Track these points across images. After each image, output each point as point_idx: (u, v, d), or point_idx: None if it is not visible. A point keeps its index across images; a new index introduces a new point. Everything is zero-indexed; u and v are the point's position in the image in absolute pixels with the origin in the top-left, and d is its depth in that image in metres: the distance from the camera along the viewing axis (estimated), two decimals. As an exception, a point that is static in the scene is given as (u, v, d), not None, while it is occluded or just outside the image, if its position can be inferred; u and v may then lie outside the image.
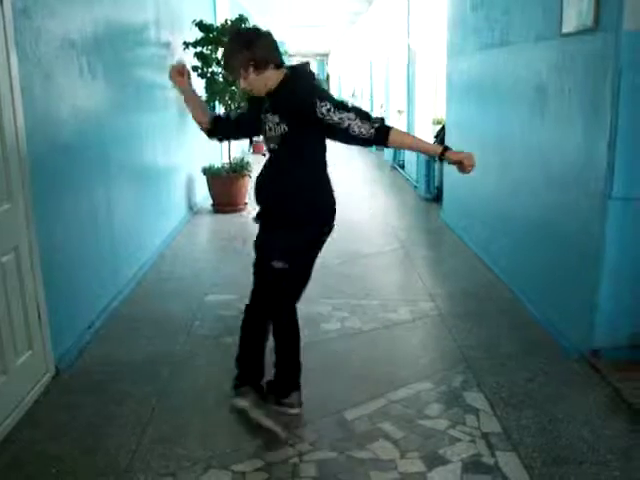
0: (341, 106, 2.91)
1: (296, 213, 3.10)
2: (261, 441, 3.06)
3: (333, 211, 3.18)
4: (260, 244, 3.29)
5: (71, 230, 4.06)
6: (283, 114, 3.00)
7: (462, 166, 3.07)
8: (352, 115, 2.90)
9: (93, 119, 4.52)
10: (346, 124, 2.90)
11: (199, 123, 3.38)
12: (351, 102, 3.16)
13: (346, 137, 3.00)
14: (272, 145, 3.10)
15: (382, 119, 3.16)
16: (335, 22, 20.73)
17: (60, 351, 3.79)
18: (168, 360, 3.93)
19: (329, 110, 2.88)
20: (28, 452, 2.99)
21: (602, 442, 2.98)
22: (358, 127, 2.90)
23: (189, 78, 3.34)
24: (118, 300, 4.83)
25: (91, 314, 4.35)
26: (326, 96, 2.96)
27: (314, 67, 46.37)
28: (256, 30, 3.17)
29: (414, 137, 3.30)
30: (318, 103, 2.88)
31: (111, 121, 4.94)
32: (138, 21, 5.97)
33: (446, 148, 3.06)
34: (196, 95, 3.39)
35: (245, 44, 2.97)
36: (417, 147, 3.19)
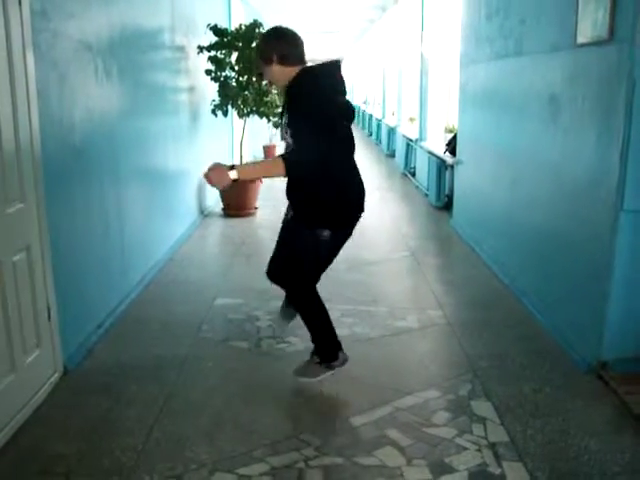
0: (300, 133, 3.13)
1: (311, 215, 3.33)
2: (268, 445, 3.06)
3: (350, 213, 3.52)
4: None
5: (82, 231, 4.09)
6: (287, 113, 3.27)
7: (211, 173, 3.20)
8: (295, 146, 3.15)
9: (106, 122, 4.55)
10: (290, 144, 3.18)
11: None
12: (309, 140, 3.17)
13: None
14: (287, 138, 3.27)
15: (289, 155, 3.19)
16: (349, 29, 20.79)
17: (68, 351, 3.81)
18: (176, 362, 3.94)
19: (289, 125, 3.17)
20: (35, 450, 3.00)
21: (609, 454, 2.97)
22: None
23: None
24: (127, 302, 4.85)
25: (100, 315, 4.37)
26: (303, 113, 3.15)
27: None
28: (285, 29, 3.45)
29: (264, 171, 3.49)
30: (290, 114, 3.19)
31: (123, 124, 4.96)
32: (153, 25, 6.01)
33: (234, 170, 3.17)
34: (250, 165, 3.39)
35: (275, 36, 3.39)
36: (257, 167, 3.51)
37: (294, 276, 3.49)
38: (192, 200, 7.86)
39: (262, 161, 3.22)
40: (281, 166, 3.11)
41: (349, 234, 3.57)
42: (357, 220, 3.57)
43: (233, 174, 3.13)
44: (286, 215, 3.55)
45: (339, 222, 3.42)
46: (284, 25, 3.49)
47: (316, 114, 3.14)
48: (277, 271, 3.61)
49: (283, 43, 3.33)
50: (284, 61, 3.29)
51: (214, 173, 3.16)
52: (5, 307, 3.12)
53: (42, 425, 3.22)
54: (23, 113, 3.26)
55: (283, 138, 3.33)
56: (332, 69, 3.41)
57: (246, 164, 3.21)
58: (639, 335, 3.65)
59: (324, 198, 3.30)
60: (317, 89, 3.23)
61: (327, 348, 3.59)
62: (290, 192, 3.40)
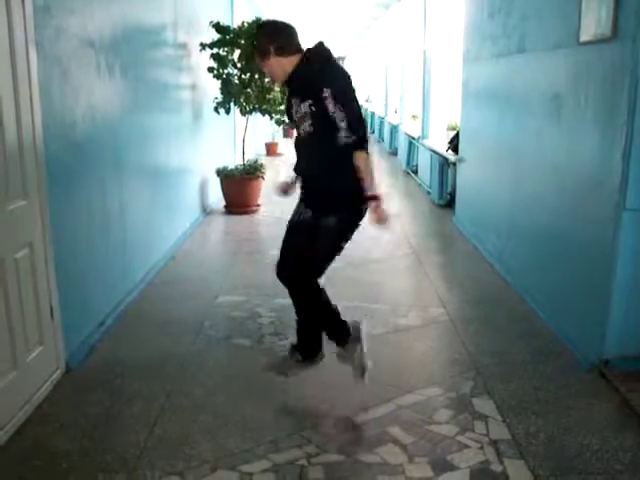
0: (341, 99, 3.12)
1: (332, 196, 3.31)
2: (269, 442, 3.06)
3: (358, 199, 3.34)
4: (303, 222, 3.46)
5: (84, 228, 4.09)
6: (303, 96, 3.25)
7: (374, 216, 3.27)
8: (343, 115, 3.12)
9: (108, 119, 4.55)
10: (334, 117, 3.12)
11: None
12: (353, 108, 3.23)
13: (330, 129, 3.16)
14: (302, 128, 3.31)
15: (362, 139, 3.23)
16: (352, 26, 20.77)
17: (71, 348, 3.81)
18: (177, 360, 3.94)
19: (326, 98, 3.11)
20: (38, 447, 3.01)
21: (611, 453, 2.97)
22: (342, 128, 3.13)
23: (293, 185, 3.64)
24: (129, 299, 4.86)
25: (102, 312, 4.38)
26: (332, 83, 3.15)
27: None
28: (278, 21, 3.52)
29: (372, 171, 3.30)
30: (324, 89, 3.11)
31: (126, 121, 4.97)
32: (156, 22, 6.01)
33: (377, 197, 3.22)
34: (368, 179, 3.34)
35: (269, 29, 3.44)
36: (368, 178, 3.24)
37: (308, 266, 3.43)
38: (194, 197, 7.86)
39: (365, 169, 3.20)
40: (364, 154, 3.21)
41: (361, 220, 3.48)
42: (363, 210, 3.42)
43: (380, 199, 3.22)
44: (298, 215, 3.48)
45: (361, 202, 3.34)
46: (277, 19, 3.52)
47: (347, 85, 3.26)
48: (290, 266, 3.48)
49: (278, 34, 3.34)
50: (281, 52, 3.30)
51: (380, 217, 3.25)
52: (7, 304, 3.12)
53: (44, 422, 3.23)
54: (26, 110, 3.26)
55: (296, 125, 3.38)
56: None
57: (367, 182, 3.21)
58: (641, 333, 3.65)
59: (353, 179, 3.24)
60: (333, 66, 3.31)
61: (310, 345, 3.63)
62: (321, 176, 3.34)
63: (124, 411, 3.34)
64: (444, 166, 8.73)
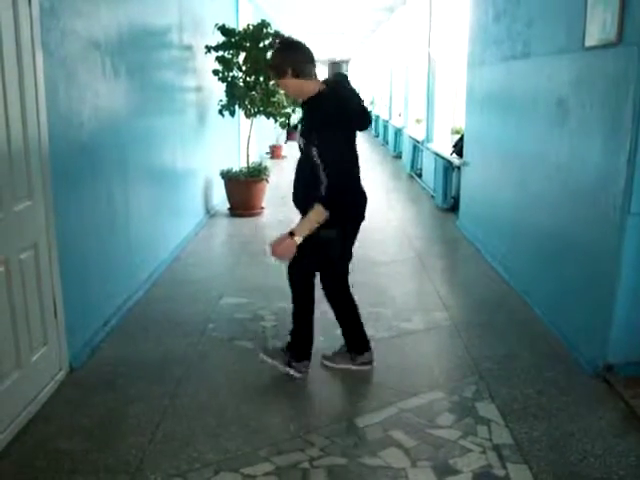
0: (325, 151, 3.30)
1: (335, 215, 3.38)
2: (272, 445, 3.07)
3: (356, 213, 3.64)
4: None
5: (89, 229, 4.10)
6: (304, 127, 3.48)
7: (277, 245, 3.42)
8: (323, 168, 3.30)
9: (114, 120, 4.57)
10: (317, 164, 3.32)
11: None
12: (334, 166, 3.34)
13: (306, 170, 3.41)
14: (299, 149, 3.55)
15: (324, 197, 3.33)
16: (356, 30, 20.79)
17: (74, 349, 3.82)
18: (181, 361, 3.94)
19: (314, 144, 3.31)
20: (41, 447, 3.02)
21: (614, 458, 2.96)
22: (323, 184, 3.32)
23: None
24: (133, 300, 4.87)
25: (106, 313, 4.38)
26: (324, 140, 3.31)
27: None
28: (299, 42, 3.54)
29: (313, 223, 3.37)
30: (311, 142, 3.32)
31: (131, 123, 4.98)
32: (161, 24, 6.02)
33: (293, 235, 3.35)
34: (304, 223, 3.45)
35: (290, 50, 3.48)
36: (306, 224, 3.37)
37: (330, 274, 3.75)
38: (199, 199, 7.88)
39: (308, 216, 3.33)
40: (322, 210, 3.29)
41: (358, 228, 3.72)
42: (362, 218, 3.72)
43: (298, 239, 3.33)
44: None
45: (356, 216, 3.64)
46: (294, 37, 3.61)
47: (332, 136, 3.34)
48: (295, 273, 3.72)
49: (299, 57, 3.44)
50: (299, 75, 3.40)
51: (280, 248, 3.38)
52: (12, 304, 3.13)
53: (48, 422, 3.24)
54: (31, 111, 3.27)
55: (298, 143, 3.56)
56: (348, 88, 3.54)
57: (299, 225, 3.38)
58: (645, 339, 3.64)
59: (344, 201, 3.42)
60: (340, 110, 3.36)
61: (303, 344, 3.79)
62: (304, 195, 3.50)
63: (127, 412, 3.35)
64: (448, 170, 8.73)
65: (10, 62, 3.07)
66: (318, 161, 3.30)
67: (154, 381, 3.69)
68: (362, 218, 3.67)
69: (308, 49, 3.50)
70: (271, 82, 7.93)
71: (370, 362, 3.86)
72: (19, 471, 2.84)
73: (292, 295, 3.76)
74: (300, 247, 3.40)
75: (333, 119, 3.33)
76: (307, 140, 3.39)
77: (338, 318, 3.87)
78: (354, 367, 3.83)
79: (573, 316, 4.12)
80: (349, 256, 3.78)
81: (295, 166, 3.62)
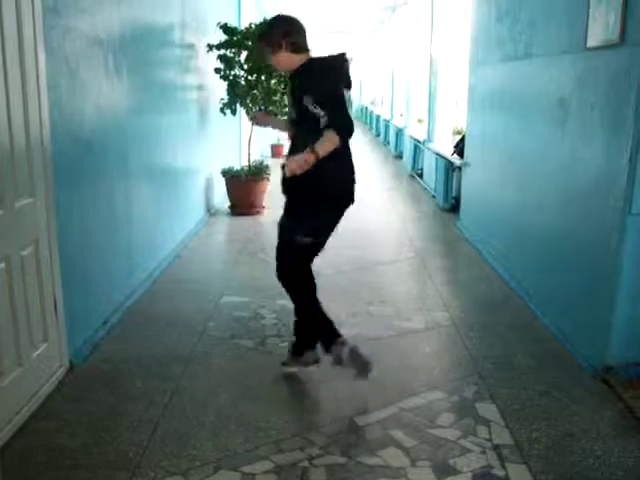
0: (330, 103, 3.31)
1: (314, 193, 3.43)
2: (272, 443, 3.07)
3: (350, 190, 3.56)
4: (285, 224, 3.63)
5: (89, 227, 4.10)
6: (295, 97, 3.47)
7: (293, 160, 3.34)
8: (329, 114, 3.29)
9: (116, 118, 4.57)
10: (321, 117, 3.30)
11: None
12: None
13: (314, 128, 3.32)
14: (292, 124, 3.58)
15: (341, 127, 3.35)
16: (358, 29, 20.80)
17: (74, 345, 3.82)
18: (181, 359, 3.95)
19: (317, 101, 3.29)
20: (41, 444, 3.02)
21: (613, 459, 2.96)
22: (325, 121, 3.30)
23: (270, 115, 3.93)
24: (133, 298, 4.87)
25: (106, 311, 4.39)
26: (318, 91, 3.33)
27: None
28: (294, 17, 3.63)
29: (326, 149, 3.34)
30: (305, 97, 3.31)
31: (133, 120, 4.98)
32: (163, 22, 6.02)
33: (313, 152, 3.27)
34: (277, 120, 3.80)
35: (286, 23, 3.56)
36: (321, 148, 3.30)
37: (297, 258, 3.58)
38: (199, 198, 7.88)
39: (326, 145, 3.27)
40: (336, 138, 3.27)
41: (341, 215, 3.61)
42: (349, 203, 3.60)
43: (311, 158, 3.24)
44: (282, 220, 3.69)
45: (342, 197, 3.56)
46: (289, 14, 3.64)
47: (337, 93, 3.39)
48: (283, 263, 3.66)
49: (294, 31, 3.50)
50: (294, 49, 3.46)
51: (298, 158, 3.27)
52: (12, 301, 3.13)
53: (48, 419, 3.24)
54: (34, 108, 3.27)
55: (290, 120, 3.61)
56: (339, 61, 3.55)
57: (318, 147, 3.27)
58: (645, 340, 3.64)
59: (335, 172, 3.44)
60: (331, 76, 3.45)
61: (325, 332, 3.67)
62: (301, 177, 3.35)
63: (127, 409, 3.35)
64: (449, 170, 8.73)
65: (13, 60, 3.07)
66: (322, 113, 3.28)
67: (154, 379, 3.69)
68: (353, 200, 3.58)
69: (301, 24, 3.57)
70: (272, 81, 7.92)
71: (317, 361, 3.75)
72: (19, 467, 2.84)
73: (290, 293, 3.68)
74: (288, 229, 3.52)
75: (331, 76, 3.43)
76: (304, 102, 3.33)
77: (296, 303, 3.73)
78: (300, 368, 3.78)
79: (573, 317, 4.12)
80: (325, 240, 3.65)
81: (291, 133, 3.64)
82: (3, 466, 1.98)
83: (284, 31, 3.47)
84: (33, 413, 3.26)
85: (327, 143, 3.27)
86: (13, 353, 3.15)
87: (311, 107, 3.29)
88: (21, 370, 3.21)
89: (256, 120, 4.28)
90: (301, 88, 3.43)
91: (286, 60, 3.51)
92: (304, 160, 3.23)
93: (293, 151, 3.47)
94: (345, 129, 3.33)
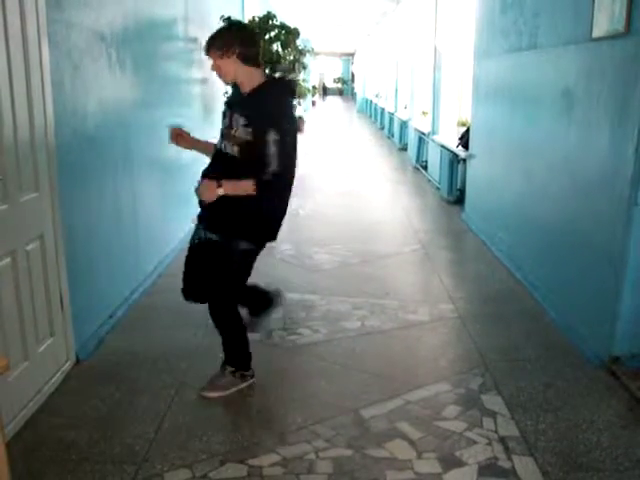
0: (283, 146, 3.06)
1: (247, 220, 3.21)
2: (278, 436, 3.07)
3: (276, 228, 3.36)
4: (202, 244, 3.34)
5: (95, 221, 4.10)
6: (250, 118, 3.11)
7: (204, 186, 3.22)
8: (277, 162, 3.06)
9: (119, 112, 4.56)
10: (270, 159, 3.06)
11: None
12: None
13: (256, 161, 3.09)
14: (230, 144, 3.19)
15: (265, 178, 3.12)
16: (362, 21, 20.74)
17: (81, 340, 3.83)
18: (187, 352, 3.95)
19: (275, 142, 3.04)
20: (48, 438, 3.03)
21: (620, 450, 2.96)
22: (269, 169, 3.07)
23: (188, 135, 3.56)
24: (139, 292, 4.87)
25: (112, 304, 4.39)
26: (281, 127, 3.08)
27: (339, 66, 46.14)
28: (247, 25, 3.37)
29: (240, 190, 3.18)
30: (270, 131, 3.03)
31: (137, 114, 4.98)
32: (167, 16, 6.01)
33: (220, 185, 3.15)
34: (201, 142, 3.58)
35: (239, 31, 3.25)
36: (233, 187, 3.18)
37: (220, 292, 3.38)
38: (204, 192, 7.85)
39: (243, 182, 3.11)
40: (252, 187, 3.09)
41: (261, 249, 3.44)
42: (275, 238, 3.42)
43: (220, 191, 3.12)
44: (198, 237, 3.37)
45: (268, 234, 3.37)
46: (276, 23, 3.52)
47: (289, 133, 3.15)
48: (198, 289, 3.43)
49: (246, 40, 3.21)
50: (244, 60, 3.16)
51: (204, 188, 3.19)
52: (19, 296, 3.14)
53: (54, 413, 3.25)
54: (38, 103, 3.27)
55: (224, 137, 3.26)
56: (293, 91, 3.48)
57: (230, 182, 3.14)
58: (652, 331, 3.63)
59: (266, 212, 3.25)
60: (288, 108, 3.28)
61: (242, 356, 3.55)
62: (229, 204, 3.17)
63: (134, 403, 3.36)
64: (454, 162, 8.71)
65: (16, 54, 3.07)
66: (273, 148, 3.03)
67: (160, 372, 3.70)
68: (275, 237, 3.40)
69: (255, 34, 3.37)
70: (276, 75, 7.90)
71: (251, 376, 3.57)
72: (26, 461, 2.85)
73: (219, 329, 3.52)
74: (214, 273, 3.30)
75: (290, 113, 3.25)
76: (258, 127, 3.06)
77: (222, 333, 3.54)
78: (247, 383, 3.55)
79: (579, 308, 4.11)
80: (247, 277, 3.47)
81: (213, 163, 3.38)
82: (10, 460, 1.99)
83: (237, 39, 3.16)
84: (39, 407, 3.27)
85: (240, 185, 3.13)
86: (19, 348, 3.16)
87: (271, 138, 3.04)
88: (27, 365, 3.22)
89: (174, 140, 3.64)
90: (261, 113, 3.12)
91: (230, 68, 3.17)
92: (210, 189, 3.15)
93: (216, 170, 3.29)
94: (279, 179, 3.13)
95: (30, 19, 3.18)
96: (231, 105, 3.31)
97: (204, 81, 7.65)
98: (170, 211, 6.00)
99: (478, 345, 4.10)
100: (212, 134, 7.96)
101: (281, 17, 12.32)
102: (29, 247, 3.24)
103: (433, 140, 10.42)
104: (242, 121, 3.13)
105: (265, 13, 8.19)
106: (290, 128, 3.18)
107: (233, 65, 3.17)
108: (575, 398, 3.44)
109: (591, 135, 3.95)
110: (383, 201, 9.14)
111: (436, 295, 5.08)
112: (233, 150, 3.18)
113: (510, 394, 3.47)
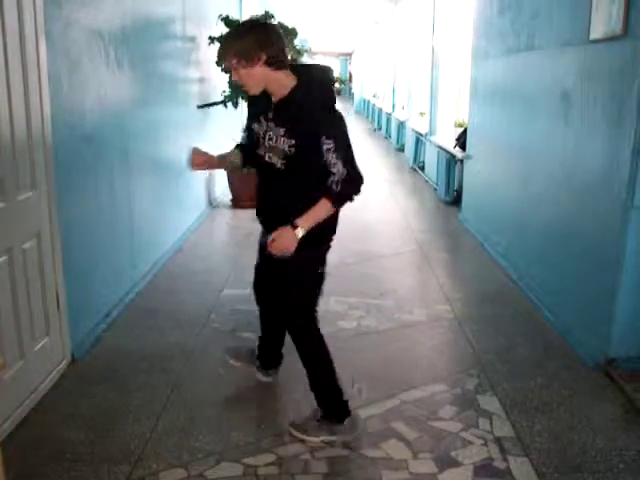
0: (341, 149, 2.73)
1: (322, 232, 2.93)
2: (274, 435, 3.07)
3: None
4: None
5: (92, 220, 4.10)
6: (291, 129, 2.78)
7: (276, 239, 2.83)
8: (341, 167, 2.73)
9: (117, 111, 4.56)
10: (331, 169, 2.73)
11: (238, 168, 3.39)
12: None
13: (306, 169, 2.83)
14: (273, 157, 2.87)
15: (336, 189, 2.78)
16: (360, 21, 20.74)
17: (77, 339, 3.82)
18: (183, 352, 3.95)
19: (329, 150, 2.71)
20: (43, 437, 3.03)
21: (615, 451, 2.97)
22: (335, 177, 2.74)
23: (212, 157, 3.37)
24: (135, 291, 4.87)
25: (108, 304, 4.39)
26: (334, 130, 2.75)
27: (337, 66, 45.95)
28: (272, 24, 3.02)
29: (319, 219, 2.84)
30: (324, 138, 2.70)
31: (134, 113, 4.97)
32: (165, 14, 6.00)
33: (297, 226, 2.78)
34: (221, 158, 3.40)
35: (264, 32, 2.77)
36: (311, 217, 2.81)
37: (303, 306, 3.09)
38: (201, 191, 7.87)
39: (313, 209, 2.78)
40: (329, 205, 2.79)
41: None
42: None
43: (300, 232, 2.77)
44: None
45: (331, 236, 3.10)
46: (274, 22, 3.17)
47: (340, 132, 2.79)
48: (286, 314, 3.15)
49: (272, 41, 2.74)
50: (273, 64, 2.73)
51: (281, 240, 2.80)
52: (14, 294, 3.13)
53: (50, 412, 3.25)
54: (35, 101, 3.27)
55: (266, 150, 2.91)
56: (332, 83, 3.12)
57: (304, 216, 2.78)
58: (647, 332, 3.64)
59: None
60: (331, 106, 2.85)
61: (332, 400, 3.15)
62: (291, 210, 2.83)
63: (129, 402, 3.36)
64: (451, 163, 8.72)
65: (14, 52, 3.07)
66: (329, 156, 2.70)
67: (156, 372, 3.69)
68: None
69: (281, 35, 2.82)
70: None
71: (356, 432, 3.08)
72: (21, 460, 2.84)
73: (297, 346, 3.17)
74: (286, 275, 3.00)
75: (333, 111, 2.81)
76: (304, 139, 2.75)
77: (307, 366, 3.19)
78: (335, 438, 3.04)
79: (576, 309, 4.11)
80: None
81: (263, 175, 3.05)
82: (5, 459, 1.99)
83: (261, 43, 2.71)
84: (35, 406, 3.26)
85: (317, 212, 2.81)
86: (15, 346, 3.15)
87: (330, 154, 2.71)
88: (23, 363, 3.22)
89: (194, 163, 3.37)
90: (312, 123, 2.74)
91: (259, 77, 2.75)
92: (289, 239, 2.78)
93: (270, 192, 3.00)
94: (356, 188, 2.81)
95: (28, 16, 3.18)
96: (263, 114, 2.92)
97: (202, 80, 7.65)
98: (166, 211, 6.00)
99: (474, 345, 4.11)
100: (209, 132, 8.00)
101: (279, 17, 12.33)
102: (26, 245, 3.24)
103: (430, 141, 10.43)
104: (281, 132, 2.80)
105: (263, 12, 8.17)
106: (339, 129, 2.79)
107: (260, 74, 2.75)
108: (571, 399, 3.45)
109: (588, 137, 3.95)
110: (380, 201, 9.13)
111: (433, 296, 5.08)
112: (279, 163, 2.85)
113: (506, 395, 3.48)
